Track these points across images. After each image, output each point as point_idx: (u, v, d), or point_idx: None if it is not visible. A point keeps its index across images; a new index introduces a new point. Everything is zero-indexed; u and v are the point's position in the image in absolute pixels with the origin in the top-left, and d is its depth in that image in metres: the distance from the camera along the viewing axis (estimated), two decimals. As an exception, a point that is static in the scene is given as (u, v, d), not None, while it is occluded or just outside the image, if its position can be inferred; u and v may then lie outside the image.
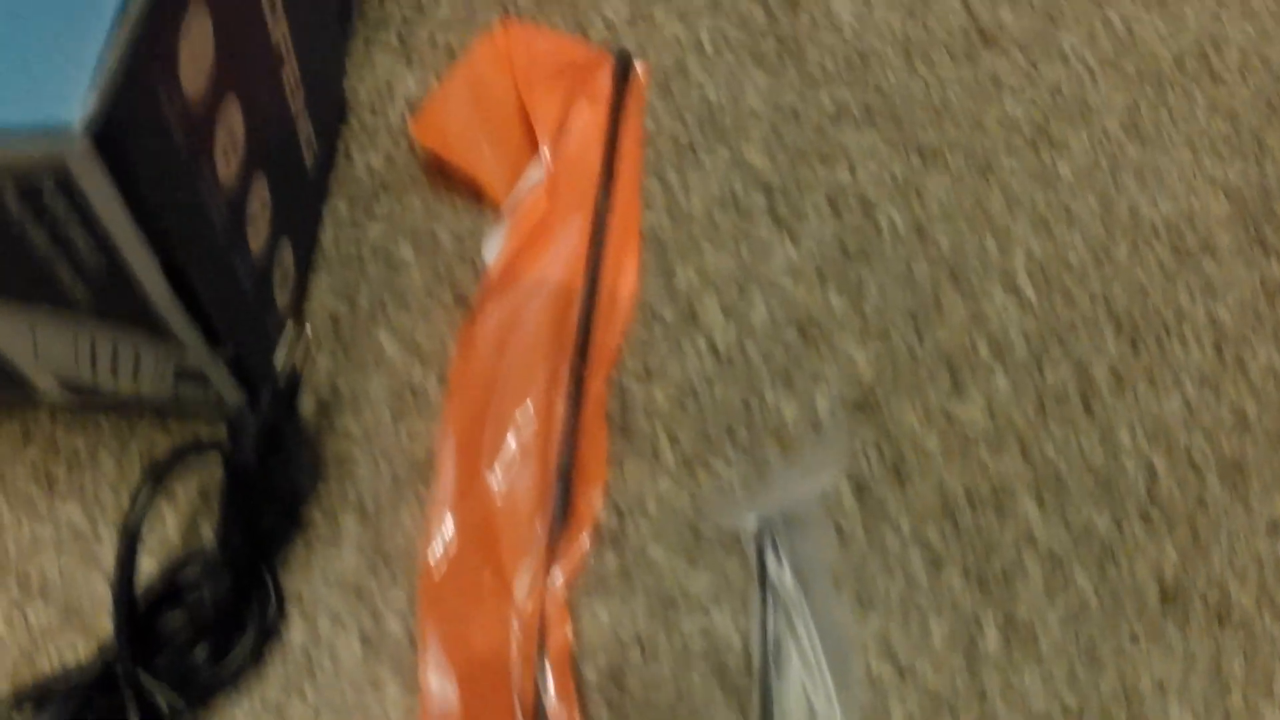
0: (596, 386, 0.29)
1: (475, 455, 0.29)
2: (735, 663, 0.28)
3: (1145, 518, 0.32)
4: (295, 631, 0.29)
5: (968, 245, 0.33)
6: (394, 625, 0.29)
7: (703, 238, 0.32)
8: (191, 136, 0.24)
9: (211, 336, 0.27)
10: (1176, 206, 0.36)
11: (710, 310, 0.31)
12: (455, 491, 0.28)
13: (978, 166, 0.34)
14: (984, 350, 0.32)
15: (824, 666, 0.27)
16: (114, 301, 0.26)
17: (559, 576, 0.28)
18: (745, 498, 0.29)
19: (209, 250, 0.26)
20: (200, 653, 0.28)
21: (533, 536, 0.28)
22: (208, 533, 0.30)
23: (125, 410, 0.32)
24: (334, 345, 0.31)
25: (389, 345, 0.31)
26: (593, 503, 0.29)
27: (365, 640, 0.29)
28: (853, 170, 0.33)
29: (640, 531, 0.29)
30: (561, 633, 0.27)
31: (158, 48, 0.22)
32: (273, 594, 0.29)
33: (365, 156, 0.33)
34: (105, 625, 0.30)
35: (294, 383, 0.28)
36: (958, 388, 0.31)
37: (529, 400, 0.28)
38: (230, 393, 0.29)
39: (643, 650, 0.28)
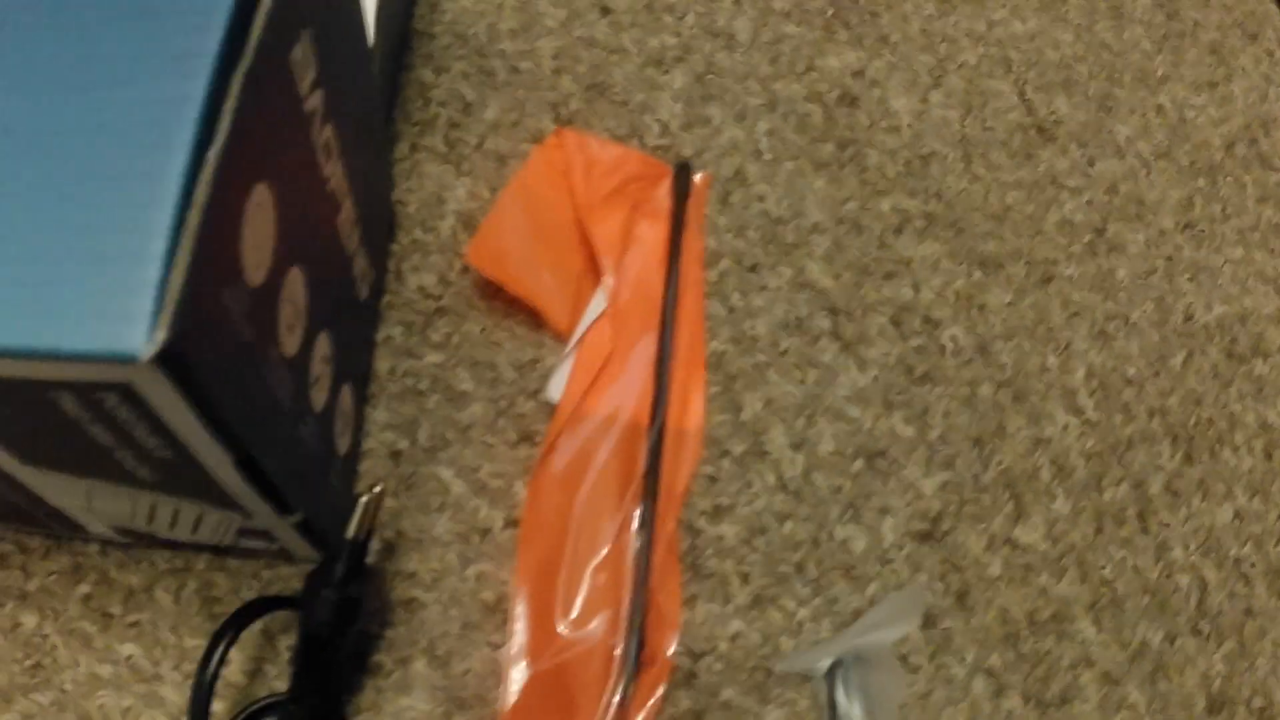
0: (668, 528, 0.29)
1: (548, 605, 0.28)
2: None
3: (1196, 631, 0.32)
4: (371, 782, 0.29)
5: (1030, 363, 0.33)
6: (472, 773, 0.29)
7: (768, 365, 0.31)
8: (256, 326, 0.23)
9: (281, 506, 0.26)
10: (1229, 308, 0.36)
11: (778, 442, 0.31)
12: (528, 642, 0.28)
13: (1039, 276, 0.34)
14: (1046, 473, 0.32)
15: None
16: (178, 481, 0.25)
17: (636, 726, 0.28)
18: (818, 645, 0.29)
19: (277, 429, 0.25)
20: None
21: (607, 686, 0.28)
22: (272, 673, 0.30)
23: (181, 548, 0.31)
24: (396, 484, 0.30)
25: (453, 484, 0.30)
26: (667, 649, 0.29)
27: (443, 789, 0.29)
28: (916, 287, 0.33)
29: (713, 672, 0.29)
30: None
31: (221, 248, 0.21)
32: (346, 745, 0.29)
33: (418, 277, 0.32)
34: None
35: (365, 542, 0.27)
36: (1020, 512, 0.32)
37: (602, 548, 0.28)
38: (298, 548, 0.28)
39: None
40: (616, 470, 0.29)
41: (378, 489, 0.27)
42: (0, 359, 0.20)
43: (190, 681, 0.31)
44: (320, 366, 0.27)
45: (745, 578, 0.30)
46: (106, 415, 0.22)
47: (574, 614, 0.28)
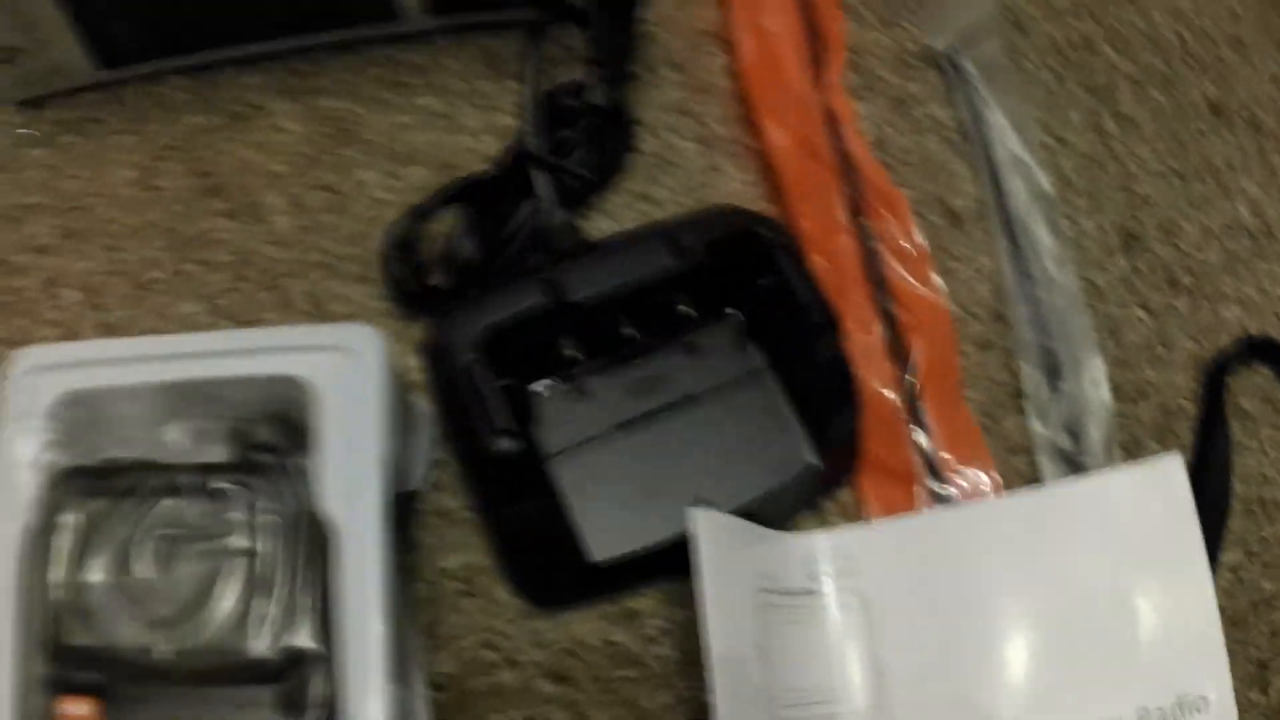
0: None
1: (753, 9, 0.39)
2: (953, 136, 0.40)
3: (1186, 63, 0.45)
4: (646, 144, 0.39)
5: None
6: (720, 129, 0.39)
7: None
8: None
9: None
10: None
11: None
12: (741, 28, 0.39)
13: None
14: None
15: (1010, 130, 0.40)
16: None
17: (830, 77, 0.39)
18: (936, 28, 0.41)
19: None
20: (579, 159, 0.37)
21: (803, 58, 0.39)
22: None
23: (455, 32, 0.40)
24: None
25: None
26: (839, 40, 0.40)
27: (701, 141, 0.39)
28: None
29: (871, 59, 0.41)
30: (846, 111, 0.39)
31: None
32: (625, 117, 0.38)
33: None
34: (480, 167, 0.38)
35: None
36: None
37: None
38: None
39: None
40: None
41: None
42: None
43: (484, 115, 0.39)
44: None
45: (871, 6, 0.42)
46: None
47: (766, 11, 0.39)
